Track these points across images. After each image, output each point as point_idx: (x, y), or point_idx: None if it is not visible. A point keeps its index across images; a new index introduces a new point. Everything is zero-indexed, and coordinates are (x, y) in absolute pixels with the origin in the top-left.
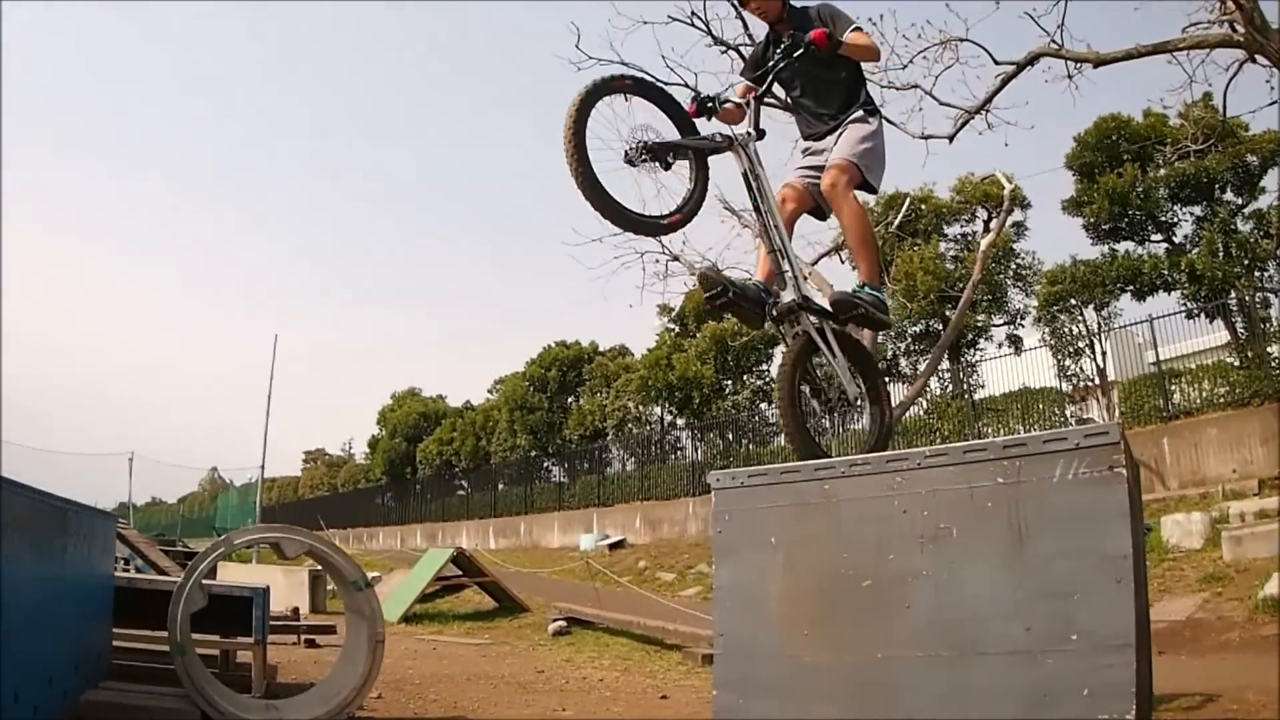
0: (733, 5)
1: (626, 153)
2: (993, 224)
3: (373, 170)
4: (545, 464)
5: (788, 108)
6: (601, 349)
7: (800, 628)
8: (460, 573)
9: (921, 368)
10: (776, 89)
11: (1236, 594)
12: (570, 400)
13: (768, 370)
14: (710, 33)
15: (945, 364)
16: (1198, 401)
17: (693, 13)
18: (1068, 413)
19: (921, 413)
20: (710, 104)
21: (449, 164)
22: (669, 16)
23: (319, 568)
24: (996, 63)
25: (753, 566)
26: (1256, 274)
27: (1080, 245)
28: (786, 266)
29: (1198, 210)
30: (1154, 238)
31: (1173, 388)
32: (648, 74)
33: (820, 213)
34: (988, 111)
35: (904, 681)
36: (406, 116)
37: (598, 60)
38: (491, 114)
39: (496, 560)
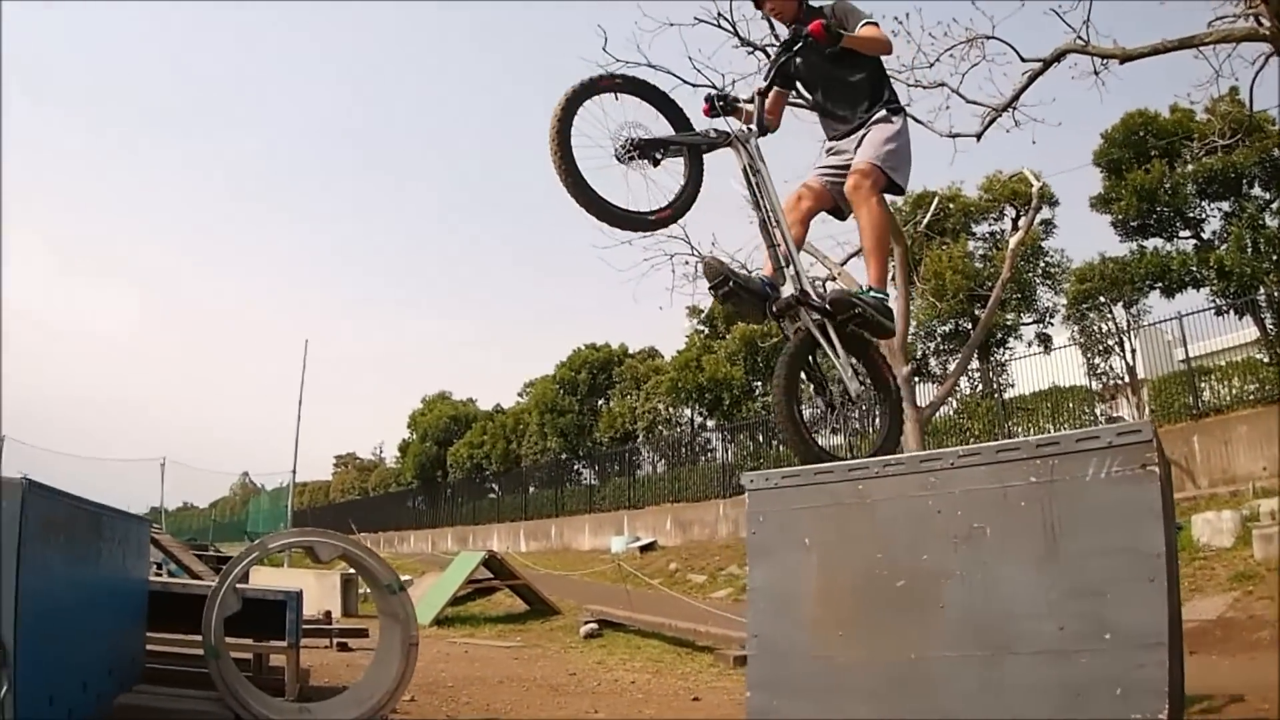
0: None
1: (615, 150)
2: (1021, 222)
3: (403, 172)
4: (576, 467)
5: (814, 108)
6: (631, 351)
7: (834, 628)
8: (492, 575)
9: (951, 367)
10: (802, 91)
11: (1267, 592)
12: (600, 403)
13: None
14: (737, 34)
15: (975, 363)
16: (1227, 399)
17: (719, 14)
18: (1097, 411)
19: (951, 412)
20: (722, 103)
21: (476, 164)
22: (695, 18)
23: (351, 571)
24: (1023, 60)
25: (787, 567)
26: None
27: (1108, 242)
28: (786, 262)
29: (1226, 206)
30: (1182, 234)
31: (1202, 385)
32: (674, 74)
33: (840, 212)
34: (1015, 109)
35: (938, 681)
36: (440, 117)
37: (624, 63)
38: (523, 115)
39: (527, 563)
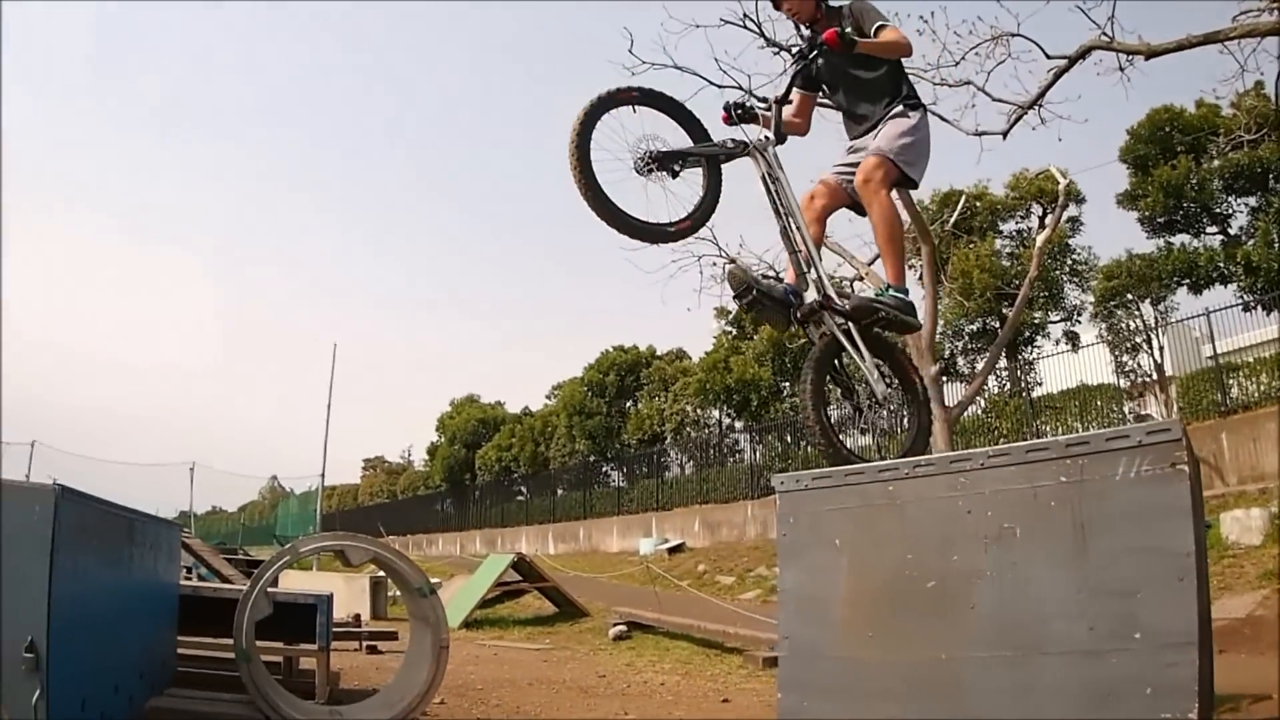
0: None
1: (634, 163)
2: (1048, 220)
3: (433, 174)
4: (604, 469)
5: (837, 108)
6: (659, 353)
7: (865, 629)
8: (520, 578)
9: (979, 366)
10: (827, 92)
11: None
12: (628, 404)
13: None
14: (763, 34)
15: (1002, 362)
16: (1256, 395)
17: (745, 15)
18: (1125, 409)
19: (980, 411)
20: (740, 111)
21: (503, 165)
22: (721, 19)
23: (380, 574)
24: (1048, 57)
25: (817, 568)
26: None
27: (1135, 239)
28: (808, 268)
29: (1252, 201)
30: (1209, 230)
31: (1230, 382)
32: (700, 75)
33: (860, 208)
34: (1041, 106)
35: (968, 682)
36: (468, 119)
37: (651, 64)
38: (553, 116)
39: (556, 565)
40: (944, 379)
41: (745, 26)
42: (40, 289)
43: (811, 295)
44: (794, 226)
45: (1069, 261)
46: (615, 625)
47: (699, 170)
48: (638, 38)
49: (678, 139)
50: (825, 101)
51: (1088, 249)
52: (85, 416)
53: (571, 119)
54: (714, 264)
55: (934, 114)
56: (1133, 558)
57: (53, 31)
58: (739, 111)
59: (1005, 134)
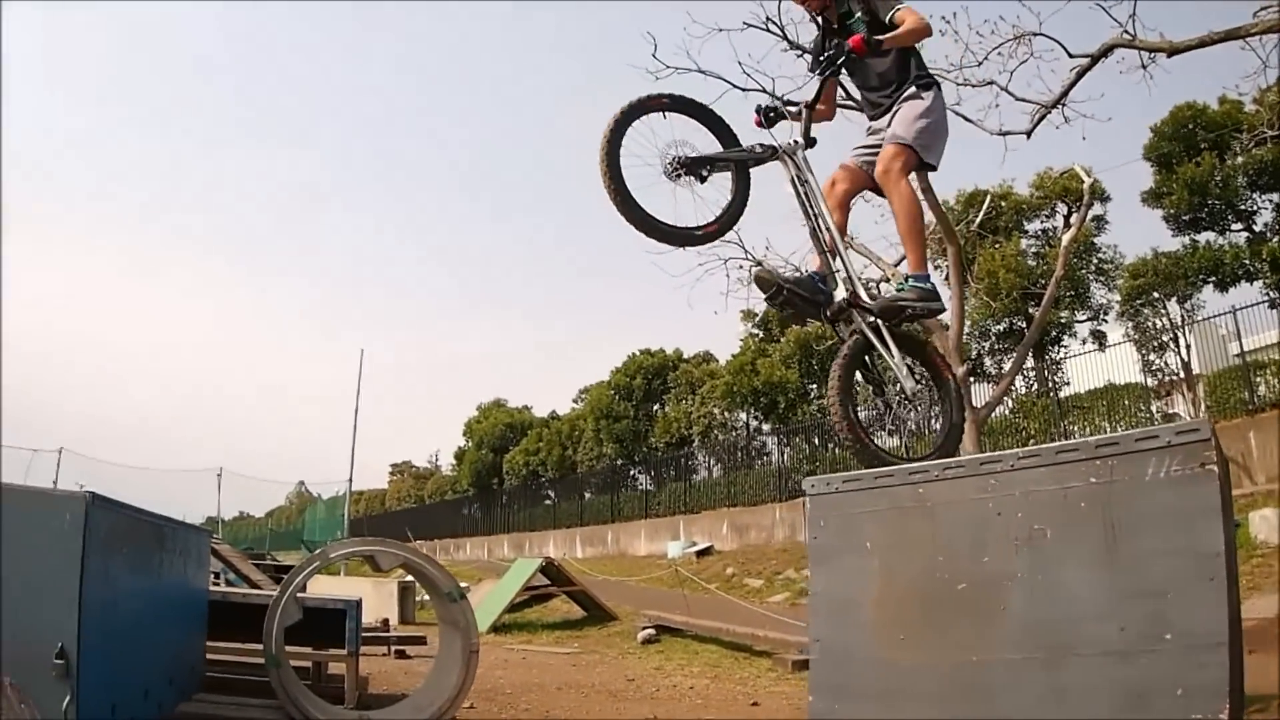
0: None
1: (663, 168)
2: (1073, 219)
3: (459, 177)
4: (631, 472)
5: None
6: (686, 356)
7: (896, 632)
8: (549, 582)
9: (1006, 367)
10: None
11: None
12: (656, 408)
13: None
14: (785, 37)
15: (1030, 362)
16: None
17: (767, 18)
18: (1153, 408)
19: (1007, 412)
20: (773, 114)
21: (529, 168)
22: (744, 22)
23: (408, 579)
24: (1071, 56)
25: (848, 571)
26: None
27: (1161, 237)
28: (838, 267)
29: (1277, 197)
30: (1234, 227)
31: (1258, 379)
32: (724, 79)
33: (879, 189)
34: (1064, 105)
35: (999, 684)
36: (495, 122)
37: (674, 69)
38: (583, 118)
39: (584, 569)
40: (971, 380)
41: (768, 29)
42: (70, 295)
43: (840, 294)
44: (824, 228)
45: (1095, 260)
46: (644, 629)
47: (727, 174)
48: (661, 42)
49: (707, 144)
50: (848, 103)
51: (1113, 248)
52: (112, 423)
53: (602, 125)
54: (740, 267)
55: (958, 114)
56: (1163, 558)
57: (92, 35)
58: (770, 114)
59: (1029, 133)
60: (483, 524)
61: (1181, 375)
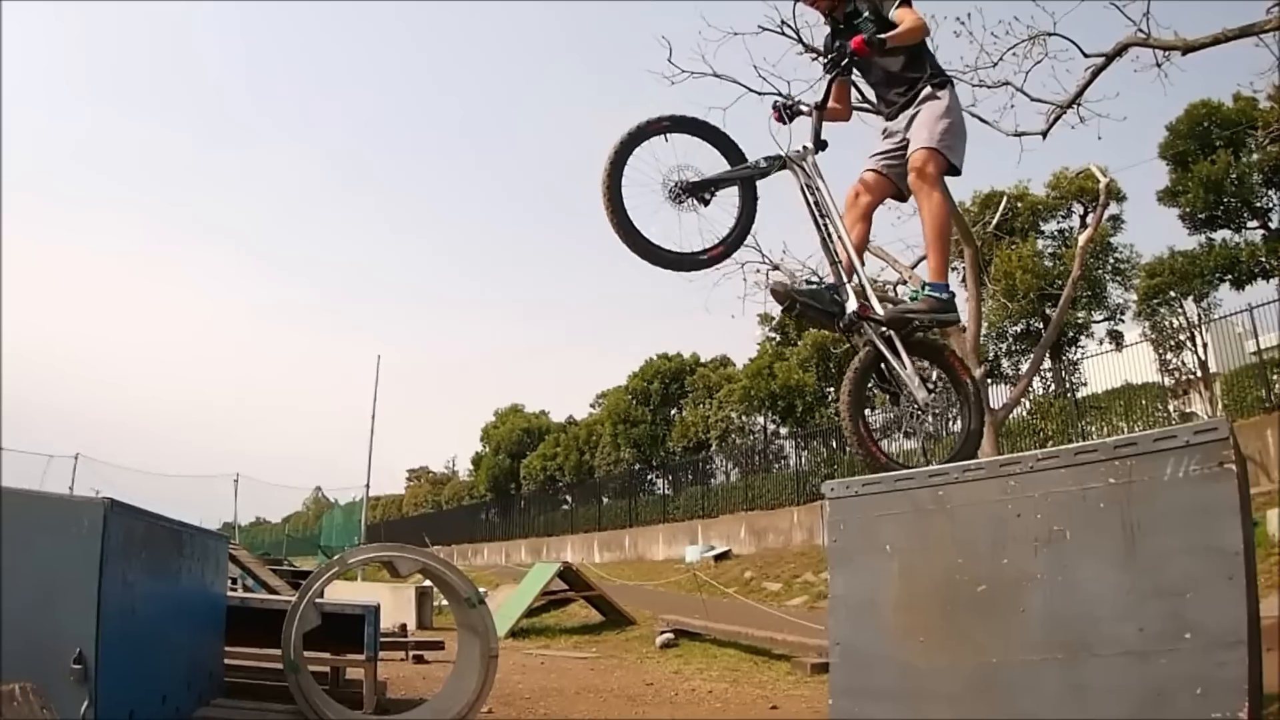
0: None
1: (666, 195)
2: (1090, 219)
3: (477, 180)
4: (649, 477)
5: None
6: (703, 360)
7: (916, 634)
8: (567, 587)
9: (1023, 368)
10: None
11: None
12: (673, 412)
13: None
14: (800, 40)
15: (1047, 363)
16: None
17: (782, 21)
18: (1170, 408)
19: (1025, 413)
20: (790, 109)
21: (545, 172)
22: (759, 26)
23: (425, 584)
24: (1085, 55)
25: (868, 574)
26: None
27: (1177, 236)
28: (849, 276)
29: None
30: (1250, 224)
31: (1275, 377)
32: (739, 82)
33: (901, 195)
34: (1079, 105)
35: (1019, 684)
36: (514, 123)
37: (690, 74)
38: (602, 121)
39: (602, 574)
40: (989, 381)
41: (783, 33)
42: (85, 299)
43: (852, 304)
44: (834, 236)
45: (1111, 260)
46: (662, 633)
47: (734, 191)
48: (676, 46)
49: (712, 161)
50: (864, 105)
51: (1129, 247)
52: (128, 428)
53: (603, 157)
54: (757, 271)
55: (974, 115)
56: (1182, 558)
57: (121, 36)
58: (789, 110)
59: (1045, 134)
60: (500, 529)
61: (1198, 374)
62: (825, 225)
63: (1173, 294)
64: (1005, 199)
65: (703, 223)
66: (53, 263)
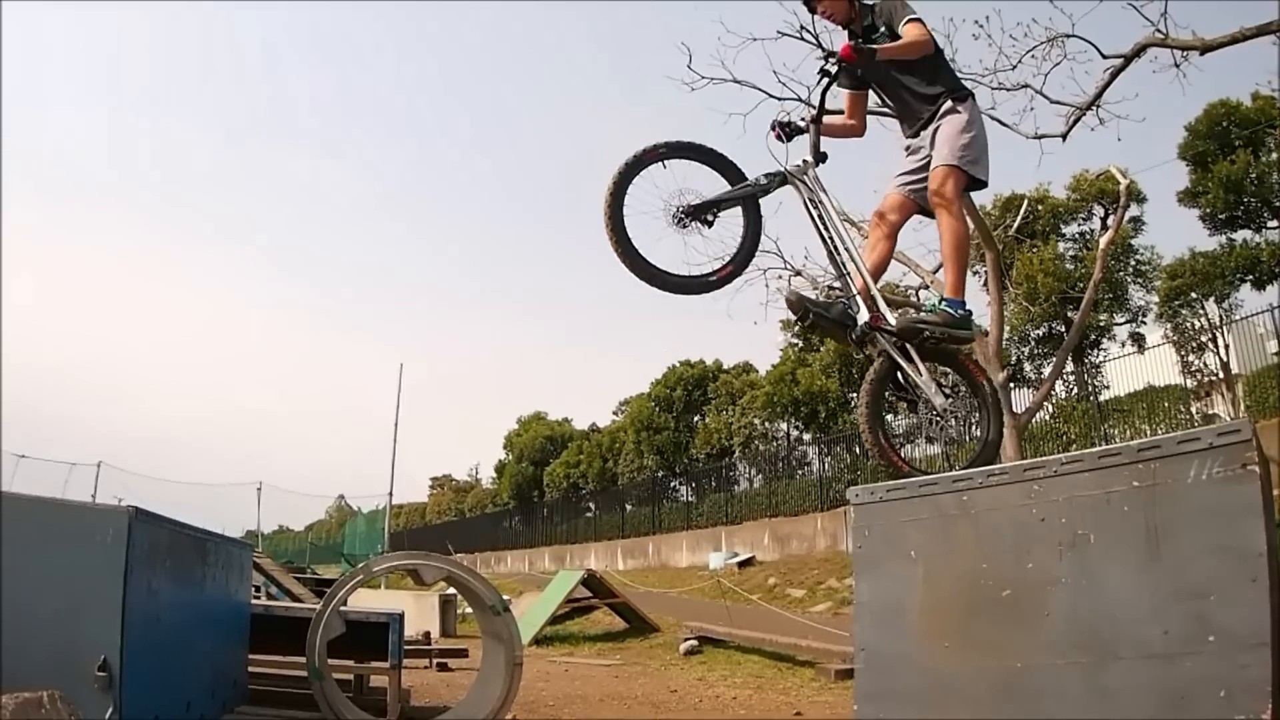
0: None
1: (668, 221)
2: (1111, 221)
3: (499, 189)
4: (672, 484)
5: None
6: (726, 366)
7: (941, 639)
8: (590, 594)
9: (1046, 372)
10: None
11: None
12: (696, 419)
13: None
14: (820, 45)
15: (1069, 366)
16: None
17: (801, 26)
18: (1193, 410)
19: (1047, 417)
20: (789, 128)
21: (567, 180)
22: (778, 32)
23: (449, 592)
24: (1104, 57)
25: (893, 580)
26: None
27: (1198, 237)
28: (857, 290)
29: None
30: (1270, 224)
31: None
32: (758, 88)
33: (928, 213)
34: (1099, 107)
35: (1044, 688)
36: (536, 127)
37: (709, 80)
38: (627, 126)
39: (625, 581)
40: (1011, 385)
41: (802, 38)
42: (108, 308)
43: (864, 316)
44: (840, 248)
45: (1132, 262)
46: (686, 640)
47: (737, 211)
48: (695, 51)
49: (713, 184)
50: (882, 110)
51: (1150, 249)
52: (150, 437)
53: (602, 188)
54: (779, 277)
55: (994, 119)
56: (1205, 560)
57: (156, 38)
58: (788, 128)
59: (1064, 136)
60: (524, 537)
61: (1220, 375)
62: (831, 237)
63: (1194, 295)
64: (1026, 202)
65: (710, 244)
66: (75, 270)
